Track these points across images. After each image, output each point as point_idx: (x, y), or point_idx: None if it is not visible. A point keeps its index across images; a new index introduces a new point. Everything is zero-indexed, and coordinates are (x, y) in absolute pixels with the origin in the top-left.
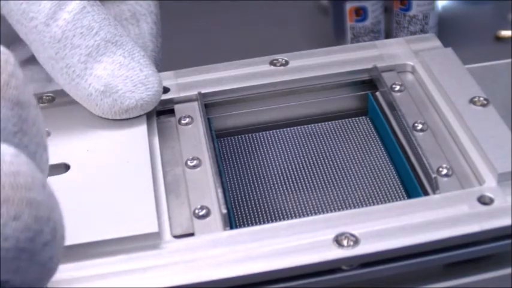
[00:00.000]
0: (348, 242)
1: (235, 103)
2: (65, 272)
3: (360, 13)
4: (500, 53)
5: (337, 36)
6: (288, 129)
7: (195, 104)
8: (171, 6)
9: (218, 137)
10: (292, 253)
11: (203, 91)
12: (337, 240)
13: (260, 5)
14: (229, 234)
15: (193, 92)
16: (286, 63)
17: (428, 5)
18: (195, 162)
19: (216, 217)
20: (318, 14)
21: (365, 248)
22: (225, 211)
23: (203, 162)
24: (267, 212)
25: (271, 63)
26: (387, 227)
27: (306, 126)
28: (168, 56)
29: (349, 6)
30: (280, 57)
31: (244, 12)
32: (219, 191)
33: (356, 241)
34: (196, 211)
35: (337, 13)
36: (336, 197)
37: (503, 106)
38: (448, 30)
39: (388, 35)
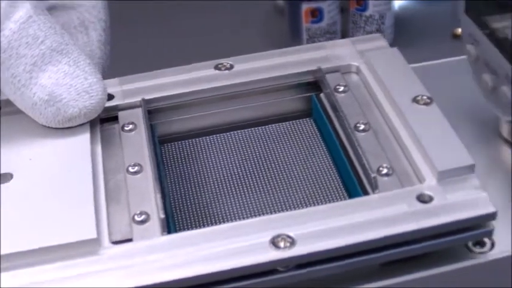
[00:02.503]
0: (284, 244)
1: (180, 108)
2: (5, 280)
3: (316, 14)
4: (457, 50)
5: (293, 37)
6: (234, 132)
7: (139, 110)
8: (123, 11)
9: (164, 142)
10: (229, 256)
11: (147, 97)
12: (274, 242)
13: (217, 6)
14: (167, 239)
15: (137, 99)
16: (231, 67)
17: (385, 4)
18: (136, 168)
19: (155, 222)
20: (275, 15)
21: (301, 249)
22: (162, 216)
23: (144, 169)
24: (210, 215)
25: (216, 67)
26: (324, 227)
27: (251, 129)
28: (118, 62)
29: (304, 7)
30: (225, 61)
31: (202, 13)
32: (158, 196)
33: (292, 242)
34: (136, 217)
35: (293, 14)
36: (278, 199)
37: (461, 101)
38: (405, 29)
39: (345, 35)
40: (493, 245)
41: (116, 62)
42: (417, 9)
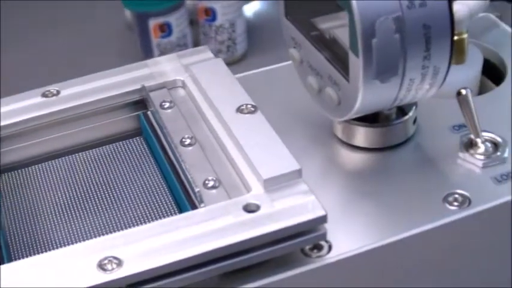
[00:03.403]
0: (111, 266)
1: (10, 139)
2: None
3: (165, 29)
4: None
5: (145, 53)
6: (66, 157)
7: None
8: None
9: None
10: (58, 283)
11: None
12: (101, 265)
13: (65, 27)
14: None
15: None
16: (58, 92)
17: (234, 12)
18: None
19: None
20: (127, 33)
21: (129, 270)
22: None
23: None
24: (46, 243)
25: (43, 94)
26: (152, 246)
27: (83, 153)
28: None
29: (152, 23)
30: (52, 87)
31: (52, 32)
32: None
33: (119, 263)
34: None
35: (142, 30)
36: (111, 221)
37: (295, 106)
38: (260, 35)
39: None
40: (330, 248)
41: None
42: (272, 14)
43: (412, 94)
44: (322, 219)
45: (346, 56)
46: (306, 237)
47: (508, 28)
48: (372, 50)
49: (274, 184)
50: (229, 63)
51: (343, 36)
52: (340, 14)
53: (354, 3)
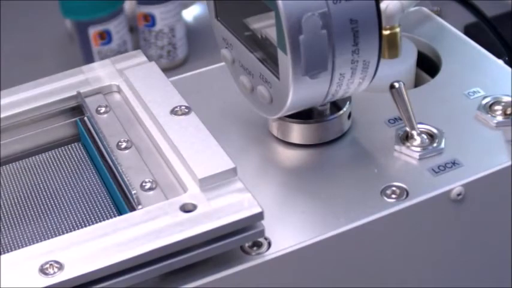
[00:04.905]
0: (53, 270)
1: None
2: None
3: (104, 36)
4: None
5: (87, 61)
6: (6, 166)
7: None
8: None
9: None
10: None
11: None
12: (42, 270)
13: (9, 37)
14: None
15: None
16: None
17: (173, 17)
18: None
19: None
20: (68, 41)
21: (70, 273)
22: None
23: None
24: None
25: None
26: (92, 248)
27: (23, 161)
28: None
29: (92, 31)
30: None
31: None
32: None
33: (61, 267)
34: None
35: (83, 38)
36: (51, 226)
37: (230, 106)
38: (199, 39)
39: None
40: (269, 244)
41: None
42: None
43: (344, 89)
44: (259, 216)
45: (277, 53)
46: (244, 234)
47: (441, 21)
48: (300, 47)
49: (209, 183)
50: (171, 68)
51: (274, 35)
52: (271, 13)
53: (280, 2)
